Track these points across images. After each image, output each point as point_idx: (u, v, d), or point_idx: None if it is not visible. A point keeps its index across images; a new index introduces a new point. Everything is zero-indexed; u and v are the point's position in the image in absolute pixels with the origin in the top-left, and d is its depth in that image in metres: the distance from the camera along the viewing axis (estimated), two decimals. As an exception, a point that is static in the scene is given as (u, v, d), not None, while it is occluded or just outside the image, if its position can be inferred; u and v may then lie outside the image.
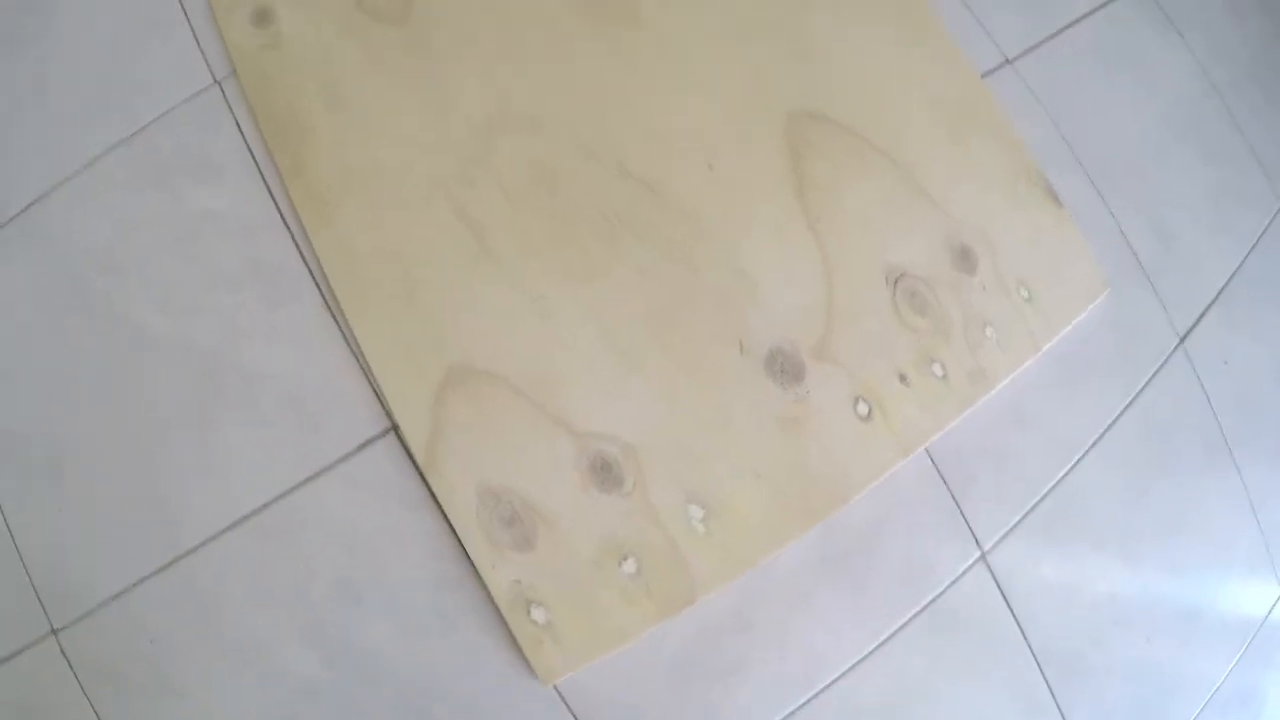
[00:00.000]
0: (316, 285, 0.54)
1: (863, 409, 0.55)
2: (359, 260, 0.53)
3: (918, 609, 0.57)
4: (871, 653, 0.55)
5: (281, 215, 0.55)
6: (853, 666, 0.54)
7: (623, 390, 0.52)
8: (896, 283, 0.58)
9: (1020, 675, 0.58)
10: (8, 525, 0.54)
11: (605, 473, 0.51)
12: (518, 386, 0.51)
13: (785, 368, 0.55)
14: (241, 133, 0.58)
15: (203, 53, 0.61)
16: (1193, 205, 0.74)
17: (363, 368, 0.53)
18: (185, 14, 0.62)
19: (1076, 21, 0.74)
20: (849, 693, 0.54)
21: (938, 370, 0.57)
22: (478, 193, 0.53)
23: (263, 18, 0.59)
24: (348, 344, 0.54)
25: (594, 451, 0.51)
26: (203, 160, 0.58)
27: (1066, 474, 0.62)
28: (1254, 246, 0.76)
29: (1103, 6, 0.77)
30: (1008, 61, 0.69)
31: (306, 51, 0.58)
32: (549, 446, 0.51)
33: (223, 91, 0.60)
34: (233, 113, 0.59)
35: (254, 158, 0.57)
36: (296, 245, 0.54)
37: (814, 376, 0.55)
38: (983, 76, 0.67)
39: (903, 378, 0.56)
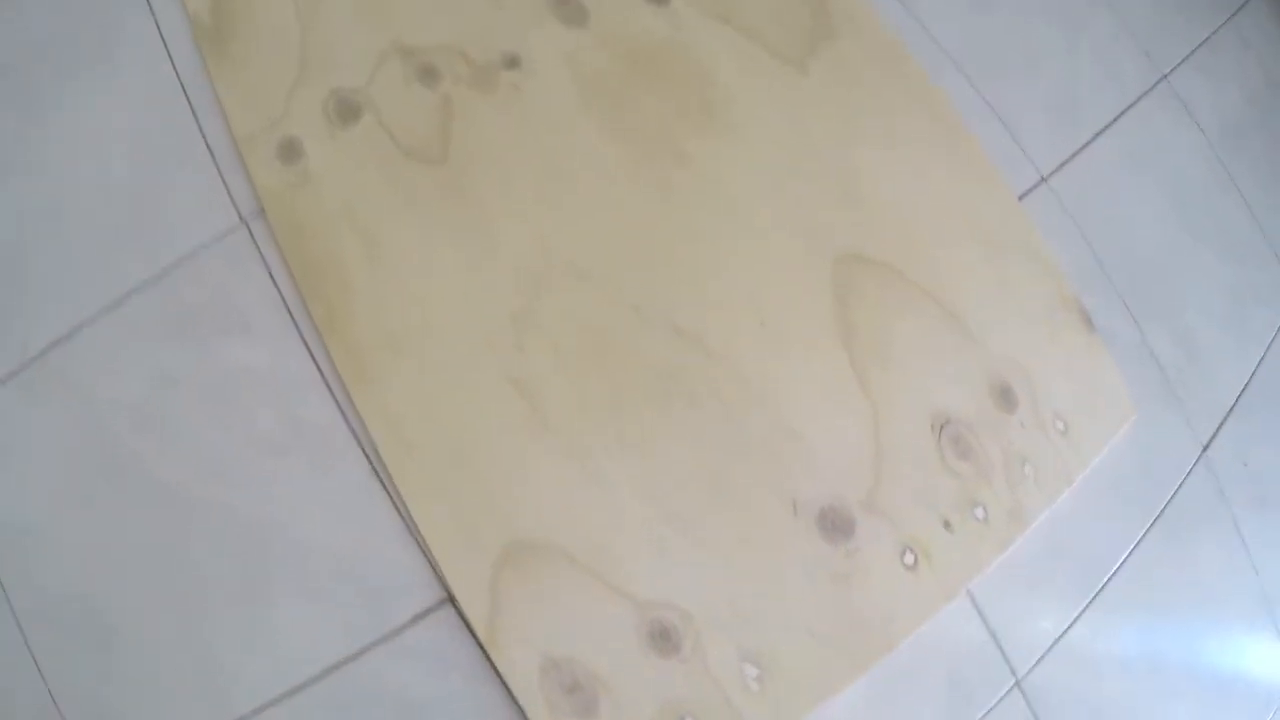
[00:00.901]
0: (362, 449, 0.54)
1: (909, 559, 0.58)
2: (405, 424, 0.54)
3: None
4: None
5: (321, 372, 0.55)
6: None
7: (680, 557, 0.54)
8: (942, 429, 0.60)
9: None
10: (51, 695, 0.55)
11: (664, 639, 0.54)
12: (576, 557, 0.53)
13: (835, 524, 0.57)
14: (273, 279, 0.58)
15: (227, 189, 0.60)
16: (1213, 308, 0.78)
17: (415, 537, 0.54)
18: (207, 144, 0.61)
19: (1106, 128, 0.77)
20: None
21: (979, 513, 0.61)
22: (526, 355, 0.54)
23: (290, 152, 0.58)
24: (398, 511, 0.54)
25: (653, 619, 0.53)
26: (233, 310, 0.57)
27: (1095, 596, 0.67)
28: (1270, 344, 0.81)
29: (1130, 108, 0.79)
30: (1043, 180, 0.72)
31: (338, 191, 0.57)
32: (610, 615, 0.53)
33: (250, 232, 0.59)
34: (262, 256, 0.58)
35: (288, 308, 0.57)
36: (339, 406, 0.55)
37: (863, 530, 0.57)
38: (1020, 198, 0.70)
39: (947, 524, 0.59)
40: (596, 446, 0.53)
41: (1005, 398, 0.62)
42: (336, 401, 0.54)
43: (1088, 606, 0.66)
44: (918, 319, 0.60)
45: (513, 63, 0.60)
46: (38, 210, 0.60)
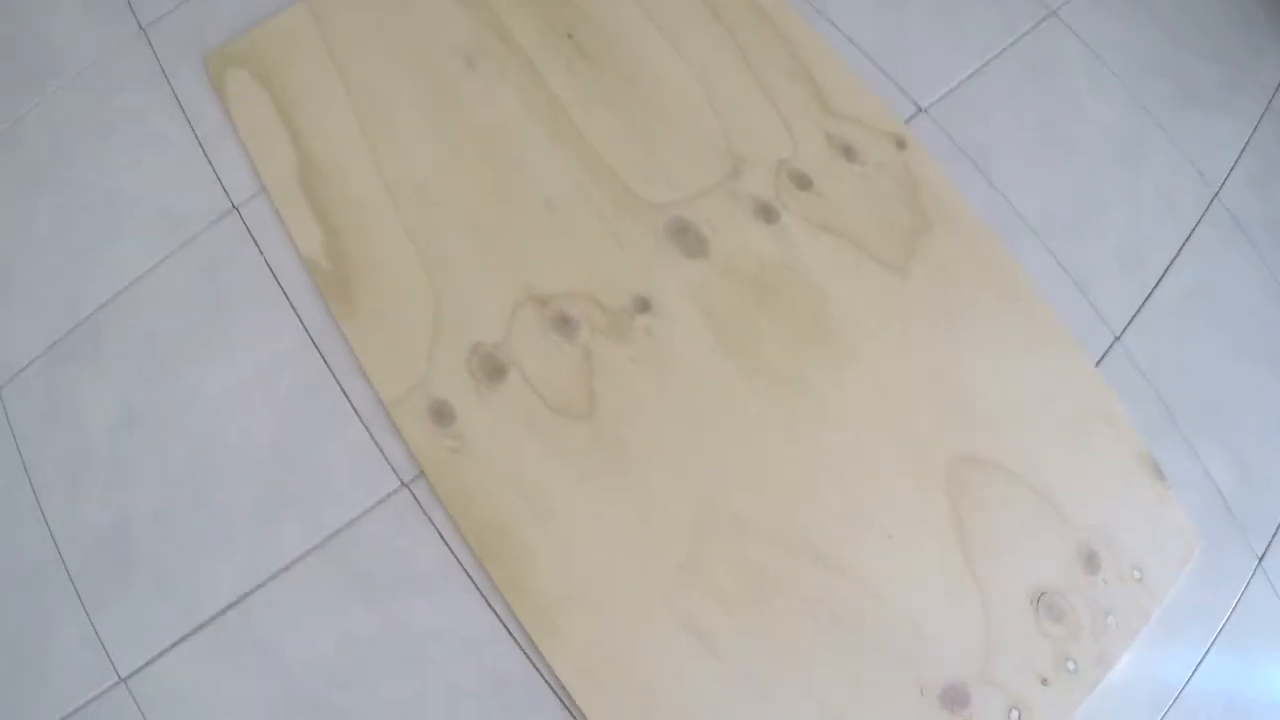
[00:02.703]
0: (556, 696, 0.64)
1: (1014, 716, 0.72)
2: (593, 671, 0.63)
3: None
4: None
5: (506, 628, 0.65)
6: None
7: None
8: (1039, 600, 0.73)
9: None
10: None
11: None
12: None
13: (955, 698, 0.70)
14: (443, 539, 0.66)
15: (382, 452, 0.68)
16: (1264, 425, 0.90)
17: None
18: (351, 405, 0.68)
19: (1169, 266, 0.87)
20: None
21: (1071, 666, 0.74)
22: (694, 598, 0.64)
23: (442, 415, 0.66)
24: None
25: None
26: (408, 571, 0.66)
27: (1170, 707, 0.81)
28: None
29: (1189, 239, 0.89)
30: (1116, 339, 0.82)
31: (498, 455, 0.65)
32: None
33: (413, 495, 0.67)
34: (428, 518, 0.67)
35: (462, 567, 0.66)
36: (528, 658, 0.65)
37: (977, 700, 0.70)
38: (1098, 364, 0.80)
39: (1044, 681, 0.73)
40: (760, 667, 0.65)
41: (1091, 562, 0.75)
42: (525, 654, 0.64)
43: (1174, 705, 0.81)
44: (1017, 507, 0.72)
45: (644, 306, 0.67)
46: (188, 476, 0.67)
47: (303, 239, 0.69)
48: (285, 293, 0.71)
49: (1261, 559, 0.86)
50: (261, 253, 0.72)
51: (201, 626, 0.65)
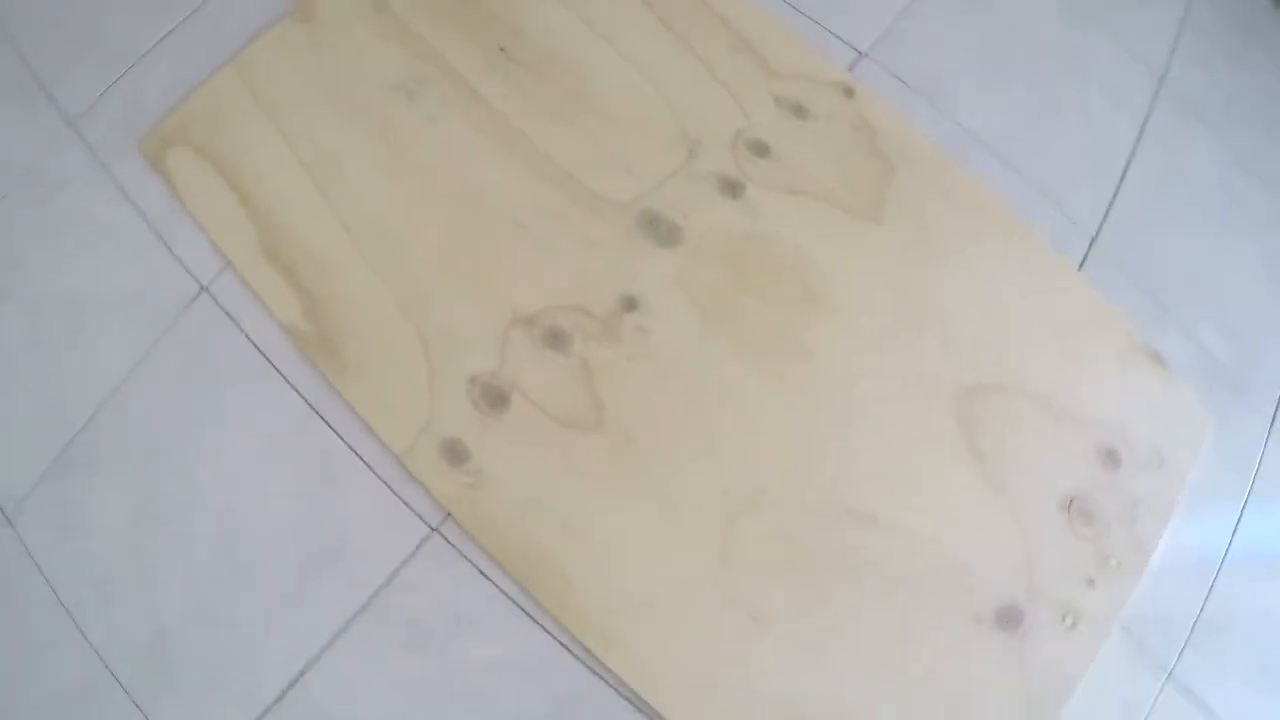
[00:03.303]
0: (628, 701, 0.66)
1: (1069, 621, 0.74)
2: (659, 671, 0.65)
3: None
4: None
5: (564, 646, 0.66)
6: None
7: (902, 691, 0.68)
8: (1070, 507, 0.75)
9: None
10: None
11: None
12: (818, 717, 0.67)
13: (1009, 619, 0.72)
14: (484, 574, 0.67)
15: (406, 504, 0.68)
16: (1252, 287, 0.93)
17: None
18: (369, 467, 0.69)
19: (1131, 160, 0.88)
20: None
21: (1113, 562, 0.76)
22: (737, 578, 0.66)
23: (455, 454, 0.66)
24: None
25: None
26: (456, 611, 0.67)
27: (1216, 580, 0.84)
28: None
29: (1144, 128, 0.91)
30: (1093, 240, 0.84)
31: (516, 480, 0.66)
32: None
33: (444, 538, 0.68)
34: (465, 557, 0.67)
35: (507, 596, 0.67)
36: (591, 670, 0.66)
37: (1030, 615, 0.73)
38: (1080, 267, 0.82)
39: (1090, 582, 0.75)
40: (812, 631, 0.67)
41: (1111, 459, 0.77)
42: (587, 667, 0.65)
43: (1208, 596, 0.84)
44: (1030, 423, 0.74)
45: (631, 304, 0.68)
46: (217, 565, 0.68)
47: (278, 307, 0.69)
48: (273, 363, 0.71)
49: (1274, 418, 0.89)
50: (240, 328, 0.72)
51: (266, 712, 0.66)
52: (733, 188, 0.72)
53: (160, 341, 0.72)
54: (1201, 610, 0.83)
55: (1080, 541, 0.76)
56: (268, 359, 0.71)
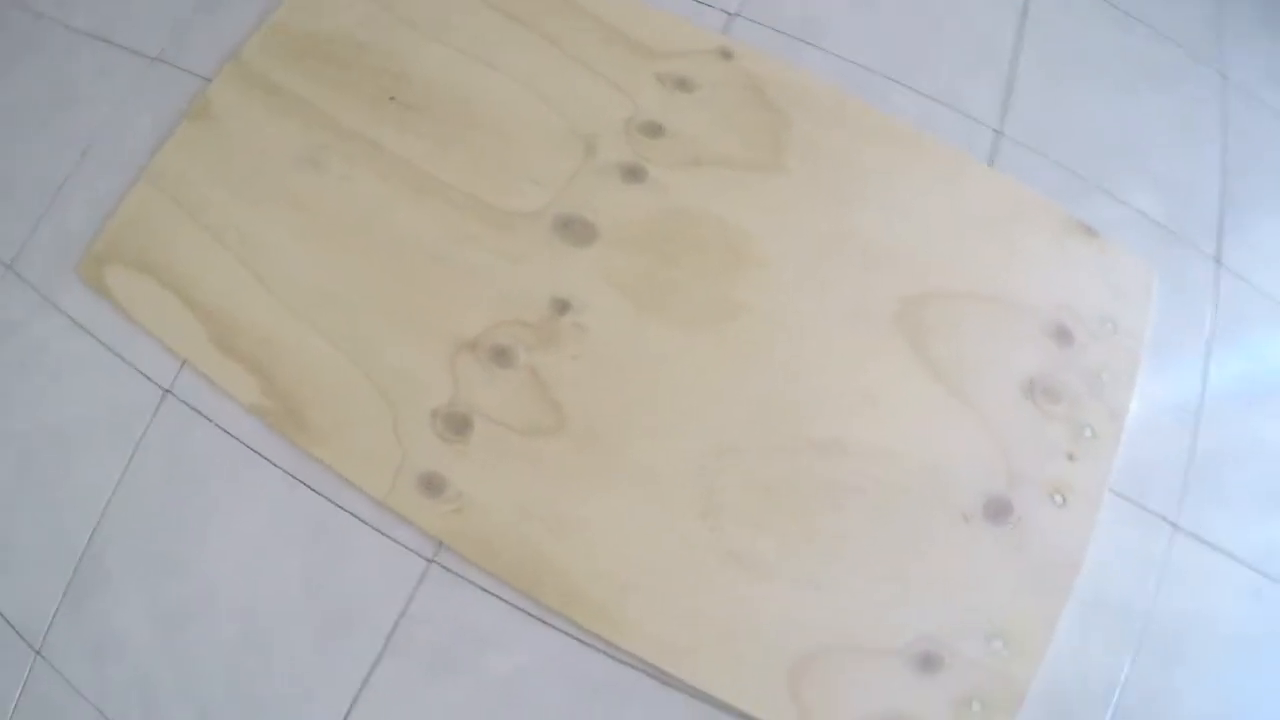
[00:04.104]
0: (651, 677, 0.69)
1: (1058, 499, 0.77)
2: (674, 641, 0.68)
3: (1152, 594, 0.81)
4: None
5: (577, 639, 0.70)
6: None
7: (909, 601, 0.71)
8: (1032, 390, 0.78)
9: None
10: None
11: (928, 663, 0.72)
12: (833, 646, 0.70)
13: (998, 511, 0.75)
14: (487, 591, 0.71)
15: (399, 544, 0.72)
16: (1168, 138, 0.95)
17: (719, 706, 0.71)
18: (357, 518, 0.73)
19: (1015, 46, 0.92)
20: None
21: (1088, 433, 0.79)
22: (725, 534, 0.69)
23: (433, 487, 0.70)
24: (708, 702, 0.71)
25: (914, 653, 0.72)
26: (471, 631, 0.71)
27: (1198, 423, 0.86)
28: (1225, 136, 0.99)
29: (1025, 9, 0.94)
30: (998, 133, 0.87)
31: (496, 497, 0.70)
32: (881, 669, 0.71)
33: (443, 567, 0.72)
34: (466, 579, 0.71)
35: (515, 606, 0.70)
36: (609, 656, 0.69)
37: (1018, 503, 0.76)
38: (992, 163, 0.85)
39: (1070, 456, 0.78)
40: (808, 565, 0.70)
41: (1062, 336, 0.80)
42: (605, 654, 0.69)
43: (1194, 442, 0.87)
44: (973, 320, 0.77)
45: (564, 307, 0.72)
46: (243, 647, 0.72)
47: (239, 391, 0.73)
48: (247, 445, 0.75)
49: (1218, 258, 0.92)
50: (210, 420, 0.76)
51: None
52: (635, 173, 0.76)
53: (137, 451, 0.77)
54: (1191, 456, 0.86)
55: (1051, 421, 0.78)
56: (241, 441, 0.75)
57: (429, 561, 0.72)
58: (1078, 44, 0.93)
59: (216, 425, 0.76)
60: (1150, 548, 0.84)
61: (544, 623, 0.70)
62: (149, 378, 0.79)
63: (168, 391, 0.78)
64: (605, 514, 0.69)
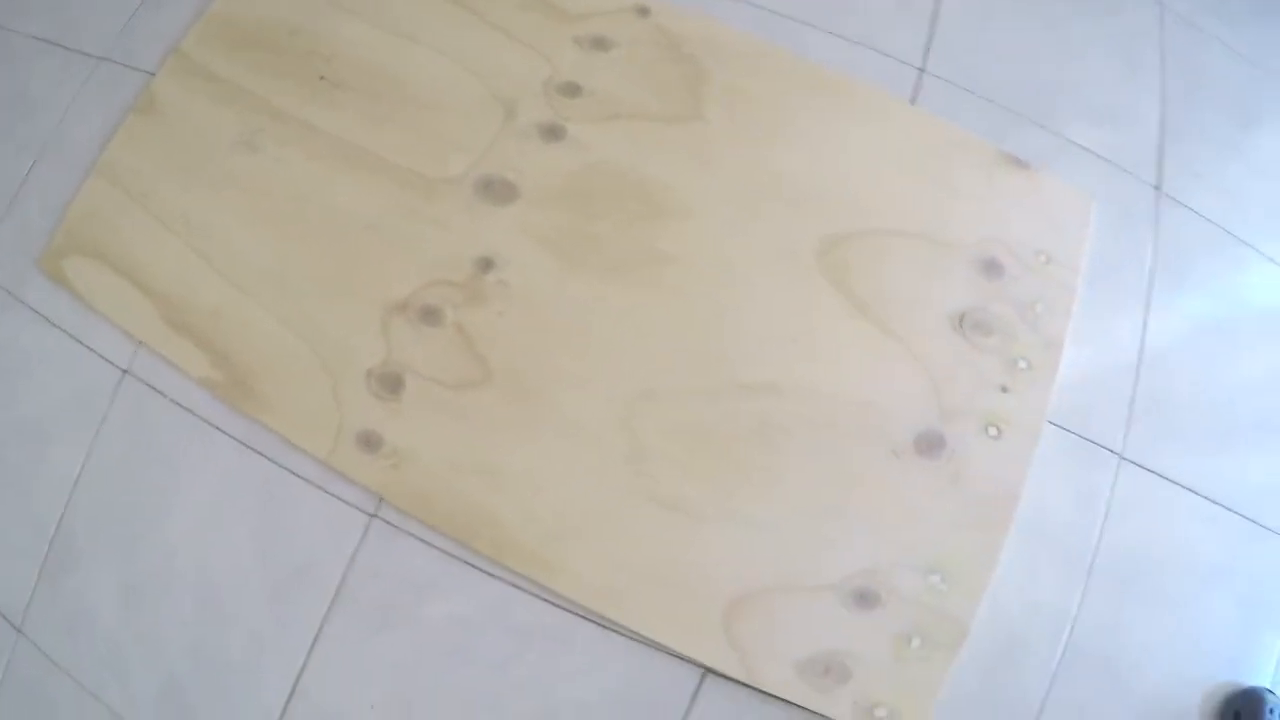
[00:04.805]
0: (591, 621, 0.72)
1: (993, 432, 0.78)
2: (609, 584, 0.71)
3: (1099, 525, 0.82)
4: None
5: (516, 586, 0.72)
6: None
7: (843, 536, 0.73)
8: (961, 323, 0.79)
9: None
10: None
11: (865, 598, 0.74)
12: (773, 585, 0.72)
13: (930, 445, 0.76)
14: (427, 543, 0.74)
15: (342, 500, 0.76)
16: (1106, 70, 0.95)
17: (648, 643, 0.74)
18: (303, 479, 0.76)
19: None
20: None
21: (1023, 364, 0.80)
22: (655, 477, 0.72)
23: (370, 443, 0.74)
24: (633, 639, 0.74)
25: (850, 590, 0.74)
26: (414, 582, 0.74)
27: (1141, 353, 0.87)
28: (1163, 68, 0.99)
29: None
30: (921, 71, 0.88)
31: (430, 450, 0.73)
32: (816, 607, 0.73)
33: (385, 520, 0.75)
34: (407, 531, 0.75)
35: (456, 556, 0.73)
36: (550, 603, 0.72)
37: (951, 436, 0.77)
38: (913, 101, 0.86)
39: (1004, 388, 0.79)
40: (739, 506, 0.72)
41: (991, 269, 0.81)
42: (546, 601, 0.72)
43: (1140, 364, 0.87)
44: (897, 256, 0.78)
45: (487, 265, 0.75)
46: (203, 610, 0.76)
47: (190, 365, 0.78)
48: (200, 416, 0.79)
49: (1158, 187, 0.92)
50: (165, 395, 0.80)
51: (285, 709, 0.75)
52: (553, 132, 0.79)
53: (101, 431, 0.81)
54: (1136, 386, 0.87)
55: (983, 354, 0.79)
56: (194, 414, 0.79)
57: (371, 516, 0.75)
58: (1005, -20, 0.94)
59: (172, 400, 0.81)
60: (1096, 479, 0.84)
61: (483, 571, 0.74)
62: (108, 360, 0.84)
63: (126, 372, 0.83)
64: (534, 463, 0.72)
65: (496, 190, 0.77)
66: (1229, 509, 0.87)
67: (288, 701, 0.74)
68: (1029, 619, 0.80)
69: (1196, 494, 0.87)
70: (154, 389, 0.81)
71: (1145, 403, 0.86)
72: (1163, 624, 0.83)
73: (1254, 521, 0.88)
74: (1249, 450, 0.89)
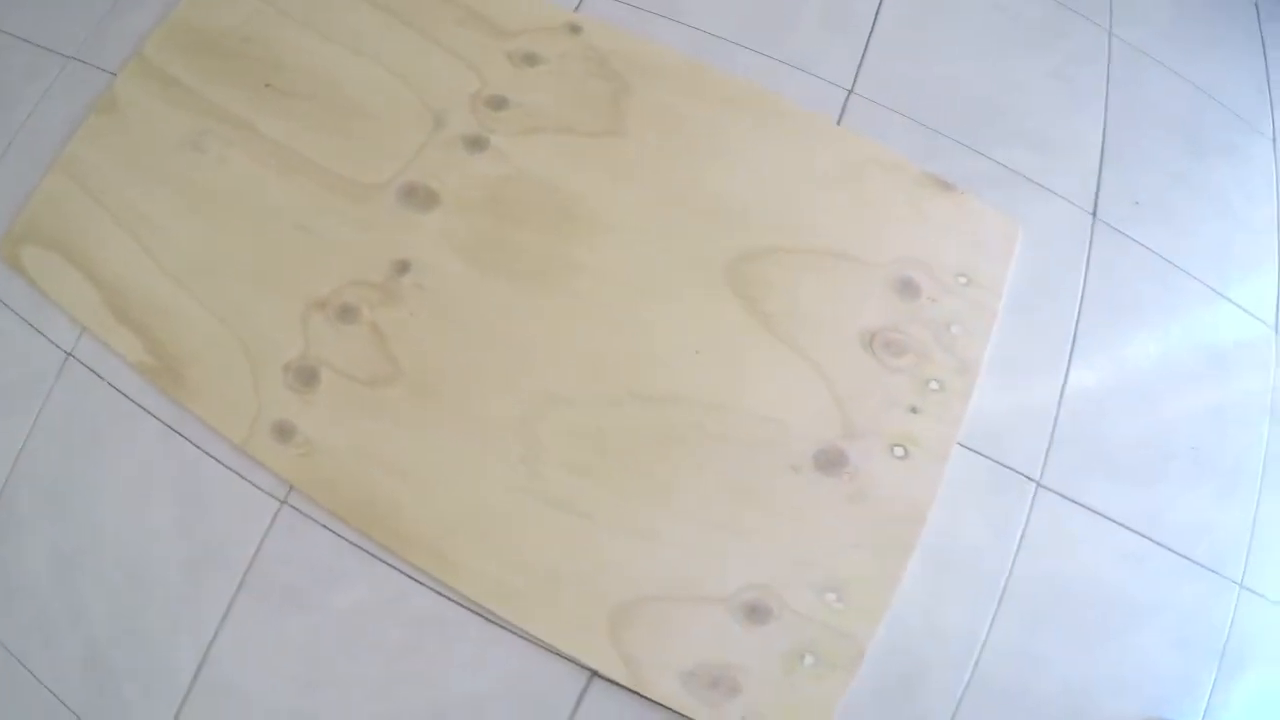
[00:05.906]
0: (480, 616, 0.75)
1: (899, 452, 0.80)
2: (500, 581, 0.74)
3: (1013, 553, 0.83)
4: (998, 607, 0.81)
5: (412, 578, 0.77)
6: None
7: (739, 550, 0.76)
8: (872, 343, 0.81)
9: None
10: None
11: (756, 612, 0.76)
12: (666, 595, 0.75)
13: (830, 461, 0.79)
14: (332, 531, 0.79)
15: (256, 486, 0.81)
16: (1045, 95, 0.97)
17: (542, 645, 0.77)
18: (222, 464, 0.82)
19: (879, 6, 0.96)
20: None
21: (934, 386, 0.82)
22: (551, 480, 0.75)
23: (284, 433, 0.78)
24: (527, 639, 0.77)
25: (741, 602, 0.76)
26: (318, 568, 0.79)
27: (1065, 382, 0.88)
28: (1107, 93, 1.00)
29: None
30: (850, 92, 0.91)
31: (339, 442, 0.78)
32: (706, 618, 0.75)
33: (294, 508, 0.80)
34: (314, 520, 0.79)
35: (358, 546, 0.78)
36: (444, 596, 0.76)
37: (854, 453, 0.79)
38: (839, 122, 0.89)
39: (914, 409, 0.81)
40: (632, 513, 0.75)
41: (907, 289, 0.83)
42: (440, 594, 0.76)
43: (1062, 395, 0.88)
44: (809, 275, 0.81)
45: (404, 268, 0.80)
46: (127, 583, 0.81)
47: (127, 351, 0.83)
48: (134, 401, 0.85)
49: (1094, 212, 0.93)
50: (103, 379, 0.86)
51: (187, 696, 0.79)
52: (477, 143, 0.83)
53: (43, 409, 0.88)
54: (1058, 413, 0.87)
55: (893, 374, 0.81)
56: (129, 398, 0.85)
57: (281, 503, 0.80)
58: (943, 2, 0.96)
59: (109, 383, 0.86)
60: (1011, 506, 0.85)
61: (383, 561, 0.77)
62: (55, 344, 0.90)
63: (69, 355, 0.89)
64: (436, 459, 0.76)
65: (419, 197, 0.82)
66: (1158, 543, 0.88)
67: (197, 673, 0.78)
68: (934, 644, 0.81)
69: (1124, 526, 0.87)
70: (94, 372, 0.87)
71: (1069, 431, 0.87)
72: (1083, 658, 0.83)
73: (1185, 557, 0.88)
74: (1182, 484, 0.89)
